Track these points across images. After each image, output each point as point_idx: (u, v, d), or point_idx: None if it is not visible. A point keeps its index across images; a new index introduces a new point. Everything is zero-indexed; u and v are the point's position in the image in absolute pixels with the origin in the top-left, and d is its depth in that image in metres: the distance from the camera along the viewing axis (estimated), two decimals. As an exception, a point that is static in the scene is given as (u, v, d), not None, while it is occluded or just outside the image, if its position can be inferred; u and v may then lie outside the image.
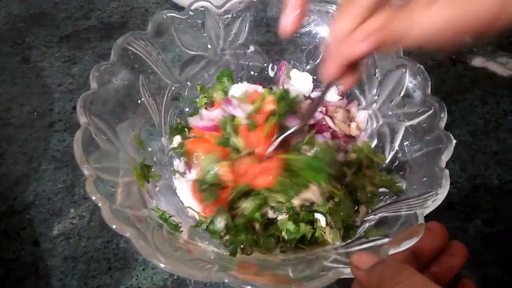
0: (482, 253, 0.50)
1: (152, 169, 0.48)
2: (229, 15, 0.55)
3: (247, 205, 0.45)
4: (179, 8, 0.76)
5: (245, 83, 0.55)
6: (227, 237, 0.46)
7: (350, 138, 0.53)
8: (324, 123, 0.52)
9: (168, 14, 0.51)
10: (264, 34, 0.58)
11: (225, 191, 0.45)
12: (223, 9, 0.54)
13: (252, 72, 0.61)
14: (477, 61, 0.72)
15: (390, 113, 0.50)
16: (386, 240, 0.38)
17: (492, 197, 0.56)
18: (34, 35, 0.76)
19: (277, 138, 0.46)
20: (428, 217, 0.37)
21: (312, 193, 0.45)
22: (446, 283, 0.39)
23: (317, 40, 0.57)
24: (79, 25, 0.78)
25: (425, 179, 0.42)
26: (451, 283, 0.39)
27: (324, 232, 0.45)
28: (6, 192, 0.57)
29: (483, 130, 0.63)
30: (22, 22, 0.78)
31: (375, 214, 0.45)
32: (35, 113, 0.65)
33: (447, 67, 0.72)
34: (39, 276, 0.50)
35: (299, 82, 0.56)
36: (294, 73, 0.56)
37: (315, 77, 0.58)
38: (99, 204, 0.36)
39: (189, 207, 0.48)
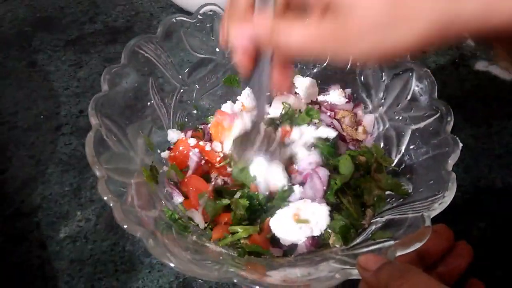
0: (487, 256, 0.50)
1: (161, 171, 0.49)
2: (238, 19, 0.55)
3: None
4: (184, 13, 0.77)
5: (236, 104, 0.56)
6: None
7: (358, 142, 0.53)
8: (332, 127, 0.52)
9: (177, 18, 0.52)
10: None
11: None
12: (231, 13, 0.54)
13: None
14: (480, 65, 0.73)
15: (396, 116, 0.50)
16: (393, 242, 0.38)
17: (496, 200, 0.57)
18: (40, 39, 0.77)
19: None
20: (432, 221, 0.37)
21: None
22: (452, 283, 0.40)
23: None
24: (85, 29, 0.78)
25: (431, 182, 0.42)
26: (460, 283, 0.39)
27: (330, 235, 0.46)
28: (13, 195, 0.57)
29: (486, 133, 0.63)
30: (28, 26, 0.79)
31: (381, 217, 0.45)
32: (42, 116, 0.66)
33: (450, 71, 0.72)
34: (46, 279, 0.50)
35: (303, 88, 0.56)
36: (297, 79, 0.57)
37: (320, 81, 0.59)
38: (111, 204, 0.36)
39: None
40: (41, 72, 0.72)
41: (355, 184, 0.47)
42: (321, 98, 0.56)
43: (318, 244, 0.45)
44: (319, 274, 0.39)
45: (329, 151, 0.47)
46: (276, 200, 0.46)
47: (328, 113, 0.53)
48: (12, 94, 0.69)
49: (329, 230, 0.45)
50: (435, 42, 0.29)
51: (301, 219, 0.44)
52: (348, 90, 0.56)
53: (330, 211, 0.44)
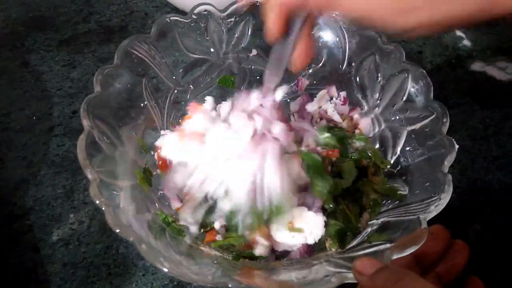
0: (483, 258, 0.50)
1: (154, 173, 0.48)
2: (232, 19, 0.55)
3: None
4: (178, 12, 0.76)
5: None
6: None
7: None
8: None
9: (171, 18, 0.52)
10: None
11: None
12: (226, 12, 0.54)
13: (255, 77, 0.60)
14: (476, 66, 0.73)
15: (392, 117, 0.50)
16: (389, 245, 0.38)
17: (493, 202, 0.56)
18: (33, 38, 0.76)
19: None
20: (428, 222, 0.37)
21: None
22: (450, 282, 0.39)
23: (320, 45, 0.57)
24: (78, 29, 0.78)
25: (427, 184, 0.42)
26: (459, 281, 0.39)
27: (326, 239, 0.45)
28: (5, 197, 0.57)
29: (483, 135, 0.63)
30: (21, 25, 0.78)
31: (377, 219, 0.45)
32: (34, 117, 0.65)
33: (446, 72, 0.72)
34: (39, 283, 0.50)
35: None
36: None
37: (315, 81, 0.58)
38: (103, 208, 0.36)
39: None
40: (34, 72, 0.71)
41: (354, 188, 0.46)
42: (309, 108, 0.56)
43: (313, 251, 0.45)
44: (314, 278, 0.39)
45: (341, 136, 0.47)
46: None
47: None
48: (5, 95, 0.68)
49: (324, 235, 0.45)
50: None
51: (295, 228, 0.43)
52: (343, 93, 0.56)
53: (325, 220, 0.44)
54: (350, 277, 0.34)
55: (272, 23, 0.36)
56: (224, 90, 0.59)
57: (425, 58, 0.74)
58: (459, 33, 0.78)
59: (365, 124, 0.53)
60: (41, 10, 0.81)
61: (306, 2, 0.34)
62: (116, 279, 0.50)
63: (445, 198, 0.38)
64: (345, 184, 0.46)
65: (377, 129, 0.52)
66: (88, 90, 0.68)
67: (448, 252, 0.40)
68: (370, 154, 0.50)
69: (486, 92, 0.69)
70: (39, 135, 0.63)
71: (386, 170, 0.49)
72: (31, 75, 0.70)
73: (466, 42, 0.76)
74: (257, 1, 0.53)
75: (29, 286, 0.49)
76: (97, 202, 0.36)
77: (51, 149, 0.61)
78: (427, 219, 0.37)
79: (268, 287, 0.38)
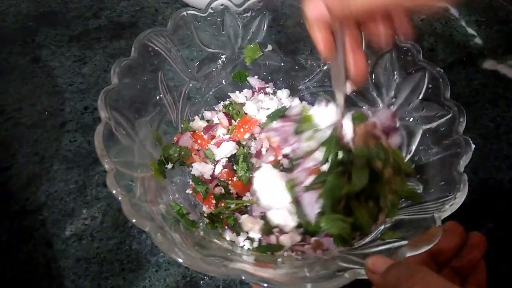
0: (495, 256, 0.50)
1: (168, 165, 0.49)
2: (248, 14, 0.55)
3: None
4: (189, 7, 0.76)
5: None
6: None
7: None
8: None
9: (188, 12, 0.52)
10: (281, 33, 0.57)
11: None
12: (242, 7, 0.53)
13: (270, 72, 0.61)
14: (488, 64, 0.72)
15: (407, 116, 0.50)
16: (403, 242, 0.37)
17: (504, 200, 0.56)
18: (44, 34, 0.76)
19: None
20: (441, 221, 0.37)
21: None
22: (467, 274, 0.39)
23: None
24: (89, 25, 0.77)
25: (442, 183, 0.42)
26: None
27: None
28: (18, 192, 0.57)
29: (494, 133, 0.63)
30: (31, 21, 0.78)
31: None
32: (46, 113, 0.65)
33: (458, 70, 0.71)
34: (52, 278, 0.50)
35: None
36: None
37: (326, 81, 0.58)
38: (119, 198, 0.36)
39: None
40: (45, 68, 0.71)
41: (370, 188, 0.46)
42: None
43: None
44: (327, 273, 0.39)
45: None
46: None
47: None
48: (16, 90, 0.68)
49: None
50: None
51: None
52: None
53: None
54: (363, 273, 0.34)
55: (319, 43, 0.39)
56: (238, 85, 0.59)
57: (436, 56, 0.73)
58: (471, 31, 0.77)
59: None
60: (52, 5, 0.81)
61: (329, 10, 0.36)
62: (129, 274, 0.50)
63: (461, 197, 0.38)
64: (352, 188, 0.45)
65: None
66: (99, 85, 0.68)
67: (465, 246, 0.40)
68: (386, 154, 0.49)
69: (497, 90, 0.68)
70: (50, 130, 0.63)
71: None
72: (42, 71, 0.70)
73: (478, 40, 0.76)
74: None
75: (43, 281, 0.50)
76: (114, 192, 0.36)
77: (63, 145, 0.62)
78: (442, 218, 0.37)
79: (280, 280, 0.38)
